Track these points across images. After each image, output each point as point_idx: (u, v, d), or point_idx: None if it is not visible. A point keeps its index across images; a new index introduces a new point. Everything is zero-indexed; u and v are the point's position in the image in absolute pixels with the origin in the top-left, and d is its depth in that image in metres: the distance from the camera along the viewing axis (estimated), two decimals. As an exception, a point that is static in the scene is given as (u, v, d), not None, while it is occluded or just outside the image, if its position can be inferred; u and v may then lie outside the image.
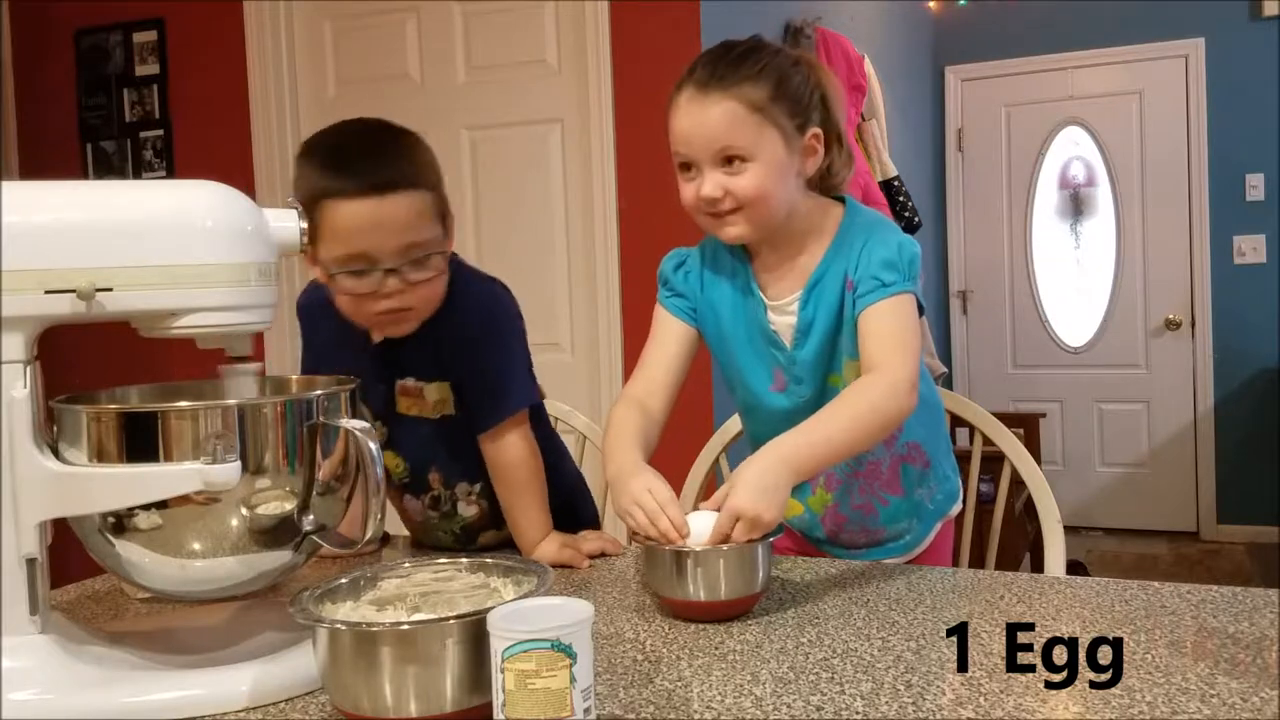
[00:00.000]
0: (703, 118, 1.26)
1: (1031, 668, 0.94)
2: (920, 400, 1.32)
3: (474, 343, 1.36)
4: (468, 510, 1.45)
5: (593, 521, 1.57)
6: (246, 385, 1.03)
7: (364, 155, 1.25)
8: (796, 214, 1.33)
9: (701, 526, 1.15)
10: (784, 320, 1.36)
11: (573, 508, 1.53)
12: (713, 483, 1.82)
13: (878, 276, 1.28)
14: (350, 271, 1.25)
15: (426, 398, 1.38)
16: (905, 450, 1.42)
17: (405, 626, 0.86)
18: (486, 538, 1.48)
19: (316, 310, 1.42)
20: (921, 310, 1.32)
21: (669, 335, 1.41)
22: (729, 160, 1.26)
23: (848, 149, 1.36)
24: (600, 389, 2.82)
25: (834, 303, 1.32)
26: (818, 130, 1.31)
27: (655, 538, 1.15)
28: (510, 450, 1.37)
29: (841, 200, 1.38)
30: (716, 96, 1.25)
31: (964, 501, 1.55)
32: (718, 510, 1.14)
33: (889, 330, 1.27)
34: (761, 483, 1.13)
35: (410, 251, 1.25)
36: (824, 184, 1.36)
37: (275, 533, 0.97)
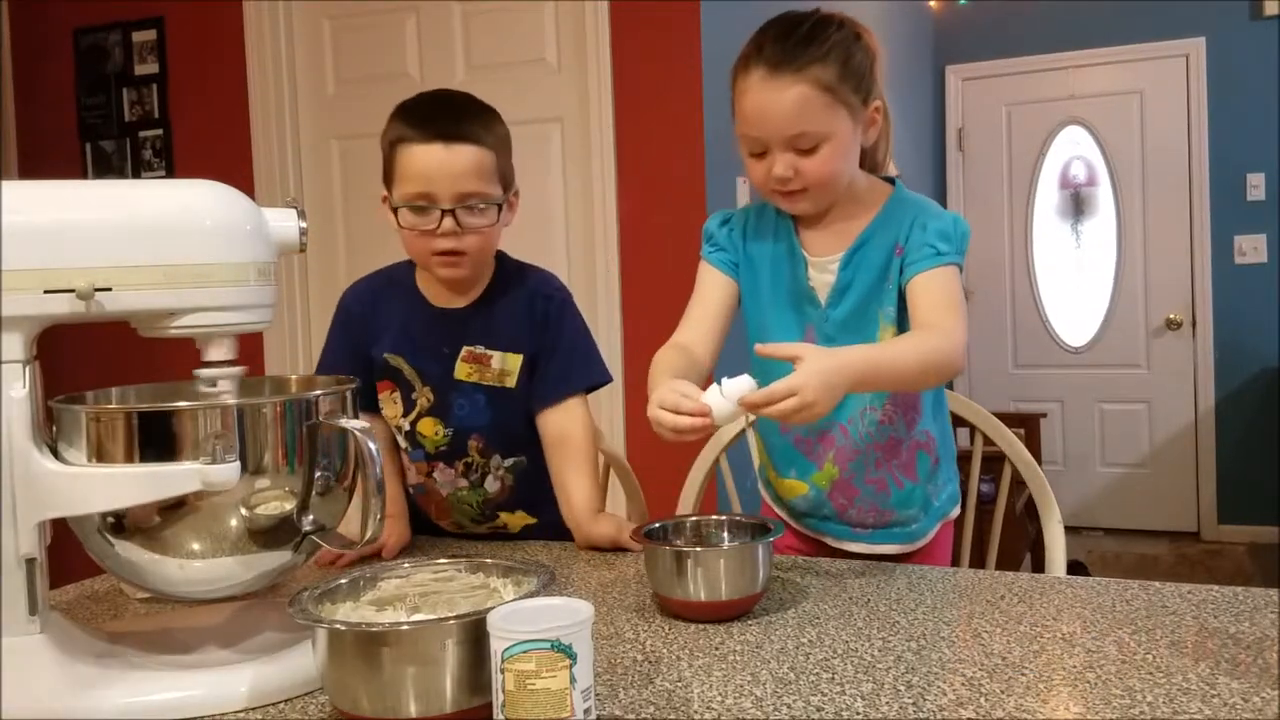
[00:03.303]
0: (776, 102, 1.28)
1: (1032, 668, 0.93)
2: (936, 399, 1.40)
3: (552, 317, 1.49)
4: (493, 485, 1.51)
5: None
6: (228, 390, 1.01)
7: (439, 110, 1.42)
8: (850, 182, 1.38)
9: (720, 399, 1.14)
10: (823, 278, 1.39)
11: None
12: (713, 483, 1.82)
13: (932, 244, 1.33)
14: (413, 208, 1.39)
15: (492, 366, 1.48)
16: (924, 438, 1.43)
17: (405, 627, 0.86)
18: (505, 518, 1.52)
19: (377, 292, 1.54)
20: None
21: (712, 287, 1.45)
22: (800, 147, 1.30)
23: (890, 121, 1.42)
24: (601, 390, 2.80)
25: (877, 267, 1.36)
26: (879, 103, 1.36)
27: (687, 433, 1.14)
28: (576, 422, 1.48)
29: (890, 182, 1.43)
30: (788, 80, 1.27)
31: (964, 502, 1.55)
32: (741, 380, 1.15)
33: (942, 295, 1.32)
34: (828, 377, 1.14)
35: (467, 199, 1.39)
36: (870, 160, 1.42)
37: (275, 533, 0.97)
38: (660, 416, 1.16)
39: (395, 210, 1.41)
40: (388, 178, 1.43)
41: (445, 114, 1.41)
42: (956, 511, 1.51)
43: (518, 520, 1.51)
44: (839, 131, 1.30)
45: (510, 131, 1.48)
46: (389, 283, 1.53)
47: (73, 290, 0.89)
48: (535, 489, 1.50)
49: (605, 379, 1.56)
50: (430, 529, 1.58)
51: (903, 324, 1.36)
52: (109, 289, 0.90)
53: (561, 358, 1.49)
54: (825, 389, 1.13)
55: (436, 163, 1.37)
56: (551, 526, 1.50)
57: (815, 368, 1.14)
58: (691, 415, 1.14)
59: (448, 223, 1.38)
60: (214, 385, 0.99)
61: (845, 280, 1.37)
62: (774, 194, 1.36)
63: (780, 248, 1.42)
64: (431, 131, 1.38)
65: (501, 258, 1.52)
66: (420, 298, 1.50)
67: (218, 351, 0.98)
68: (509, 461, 1.49)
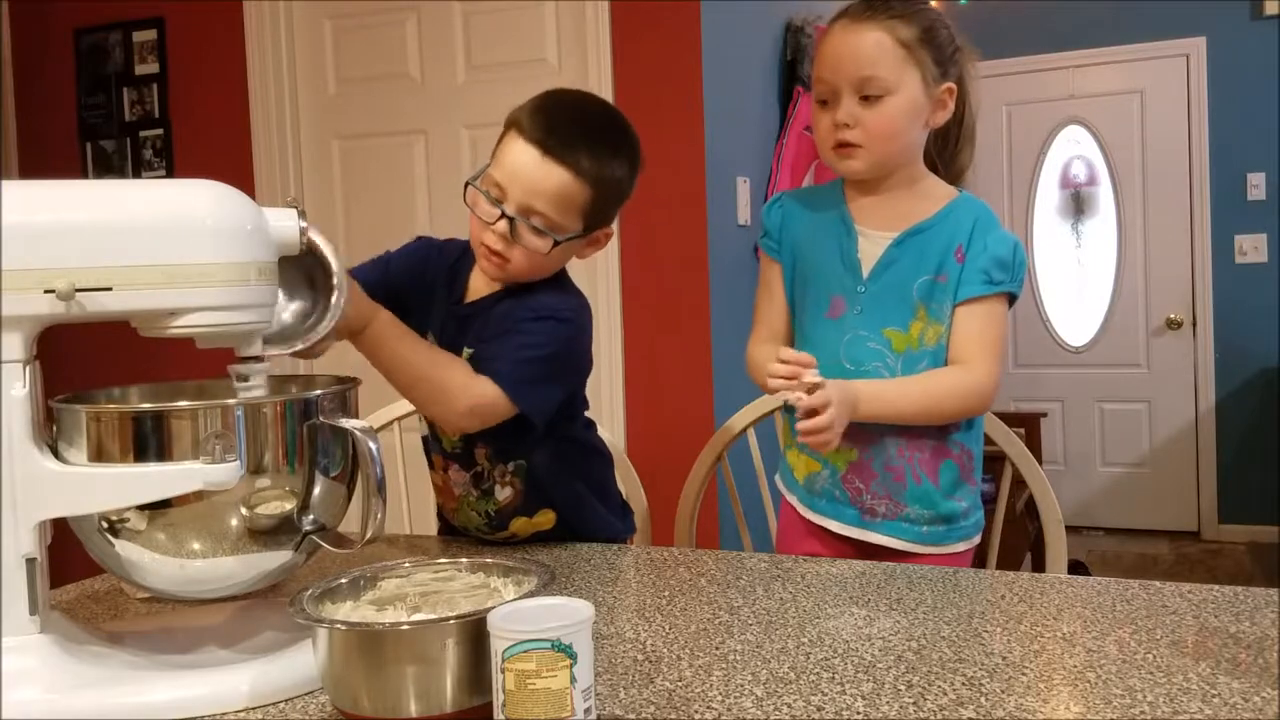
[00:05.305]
0: (852, 44, 1.36)
1: (1033, 668, 0.93)
2: (975, 433, 1.45)
3: (523, 320, 1.37)
4: (503, 492, 1.46)
5: (601, 532, 1.54)
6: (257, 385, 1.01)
7: (566, 123, 1.35)
8: (913, 169, 1.43)
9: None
10: (870, 250, 1.42)
11: (580, 510, 1.52)
12: (713, 483, 1.82)
13: (988, 271, 1.37)
14: (485, 192, 1.36)
15: None
16: (955, 449, 1.44)
17: (405, 626, 0.86)
18: (518, 524, 1.48)
19: (445, 255, 1.50)
20: (1013, 301, 1.41)
21: (774, 280, 1.52)
22: (867, 93, 1.36)
23: (975, 141, 1.48)
24: (601, 389, 2.81)
25: (929, 257, 1.39)
26: (952, 85, 1.40)
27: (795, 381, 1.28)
28: (477, 388, 1.32)
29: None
30: (868, 27, 1.36)
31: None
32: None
33: (980, 331, 1.37)
34: (842, 390, 1.29)
35: (531, 215, 1.34)
36: (948, 169, 1.47)
37: (275, 532, 0.97)
38: (774, 369, 1.30)
39: (468, 184, 1.36)
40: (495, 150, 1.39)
41: (567, 129, 1.34)
42: (978, 539, 1.51)
43: (529, 528, 1.49)
44: (907, 88, 1.36)
45: (630, 177, 1.40)
46: (456, 258, 1.48)
47: (53, 291, 0.88)
48: (546, 485, 1.46)
49: (516, 394, 1.34)
50: (445, 528, 1.58)
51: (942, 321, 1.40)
52: (109, 289, 0.90)
53: (499, 343, 1.37)
54: (843, 403, 1.25)
55: (524, 168, 1.33)
56: (567, 524, 1.48)
57: (852, 397, 1.28)
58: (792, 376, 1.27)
59: (502, 225, 1.34)
60: (246, 380, 0.99)
61: (892, 257, 1.40)
62: (832, 151, 1.41)
63: (831, 216, 1.46)
64: (539, 136, 1.32)
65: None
66: (454, 289, 1.46)
67: (250, 348, 0.99)
68: (512, 465, 1.47)
